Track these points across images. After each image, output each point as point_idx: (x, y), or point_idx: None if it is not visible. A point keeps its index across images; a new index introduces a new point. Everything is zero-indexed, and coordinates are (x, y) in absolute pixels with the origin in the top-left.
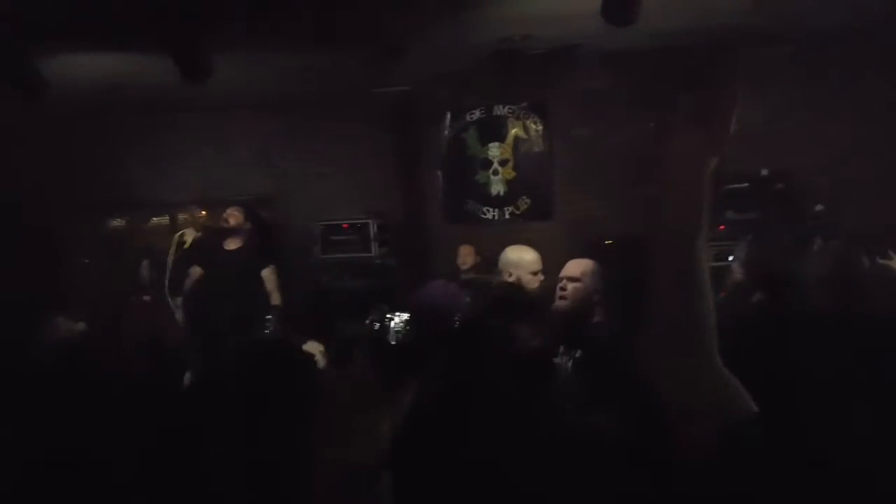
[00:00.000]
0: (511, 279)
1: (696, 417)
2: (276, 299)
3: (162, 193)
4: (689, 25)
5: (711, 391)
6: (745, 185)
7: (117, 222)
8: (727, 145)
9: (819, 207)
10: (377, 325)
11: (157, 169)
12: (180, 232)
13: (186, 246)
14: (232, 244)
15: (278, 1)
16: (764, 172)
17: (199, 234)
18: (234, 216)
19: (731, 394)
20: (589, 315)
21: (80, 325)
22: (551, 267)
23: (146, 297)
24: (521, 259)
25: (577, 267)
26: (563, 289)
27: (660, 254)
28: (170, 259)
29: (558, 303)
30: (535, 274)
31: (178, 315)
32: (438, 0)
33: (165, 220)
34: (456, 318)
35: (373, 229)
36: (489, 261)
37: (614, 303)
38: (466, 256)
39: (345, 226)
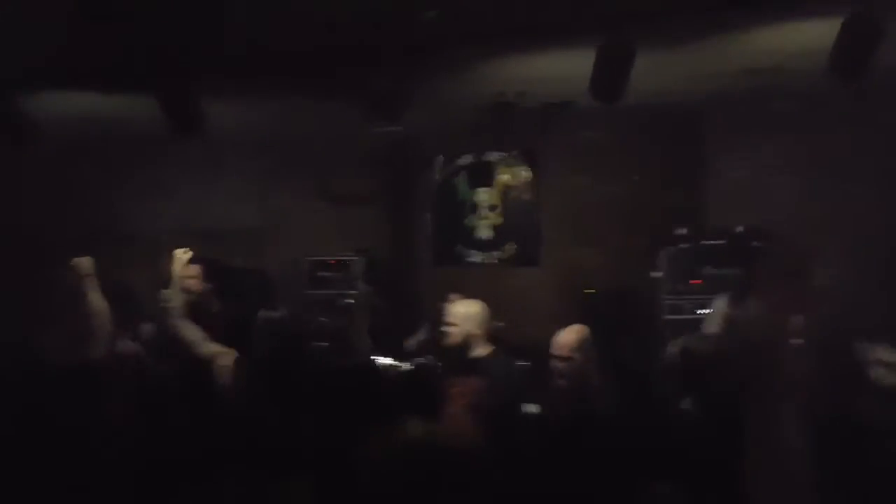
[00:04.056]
0: (457, 331)
1: None
2: None
3: (148, 225)
4: (681, 84)
5: None
6: (722, 241)
7: (101, 256)
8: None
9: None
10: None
11: (144, 201)
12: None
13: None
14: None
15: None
16: (739, 229)
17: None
18: (193, 282)
19: None
20: (588, 393)
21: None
22: (537, 313)
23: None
24: (466, 313)
25: (567, 342)
26: (558, 371)
27: None
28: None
29: (558, 382)
30: (479, 326)
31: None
32: (438, 56)
33: (149, 252)
34: None
35: (360, 267)
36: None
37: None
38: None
39: (332, 262)
